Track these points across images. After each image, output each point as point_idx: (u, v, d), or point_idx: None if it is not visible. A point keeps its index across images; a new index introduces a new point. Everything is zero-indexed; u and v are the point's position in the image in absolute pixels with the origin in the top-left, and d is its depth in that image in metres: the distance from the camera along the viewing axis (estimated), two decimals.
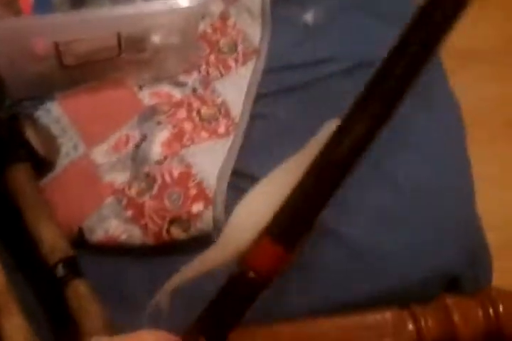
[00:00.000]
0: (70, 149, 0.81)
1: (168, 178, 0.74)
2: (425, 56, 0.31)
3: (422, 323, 0.61)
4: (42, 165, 0.79)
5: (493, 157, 1.43)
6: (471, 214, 0.76)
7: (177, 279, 0.60)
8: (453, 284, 0.72)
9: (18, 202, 0.72)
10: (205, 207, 0.72)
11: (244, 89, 0.87)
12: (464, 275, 0.71)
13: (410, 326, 0.61)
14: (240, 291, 0.35)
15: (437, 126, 0.82)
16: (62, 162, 0.80)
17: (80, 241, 0.73)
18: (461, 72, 1.40)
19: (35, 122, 0.82)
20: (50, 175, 0.79)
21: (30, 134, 0.80)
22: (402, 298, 0.66)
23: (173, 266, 0.73)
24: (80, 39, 0.83)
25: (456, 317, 0.61)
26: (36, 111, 0.84)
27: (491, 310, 0.61)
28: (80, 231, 0.73)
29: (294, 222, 0.33)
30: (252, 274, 0.34)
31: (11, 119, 0.81)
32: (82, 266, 0.70)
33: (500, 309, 0.61)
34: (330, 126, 0.34)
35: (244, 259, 0.34)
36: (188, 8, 0.83)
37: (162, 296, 0.59)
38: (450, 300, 0.63)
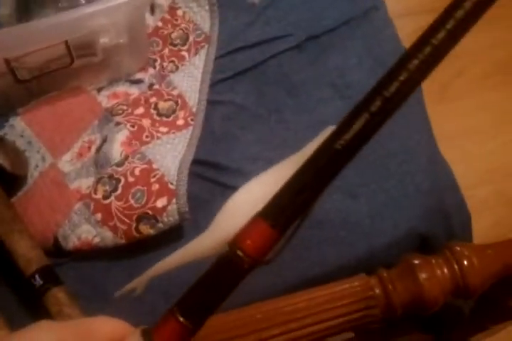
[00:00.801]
0: (38, 161, 0.82)
1: (130, 177, 0.75)
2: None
3: (390, 287, 0.61)
4: (13, 180, 0.81)
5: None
6: (433, 170, 0.75)
7: (159, 267, 0.61)
8: (428, 245, 0.72)
9: None
10: (169, 200, 0.72)
11: (199, 78, 0.87)
12: (435, 234, 0.70)
13: (378, 291, 0.62)
14: (226, 271, 0.35)
15: None
16: (32, 174, 0.81)
17: (56, 249, 0.75)
18: None
19: (1, 140, 0.84)
20: (24, 189, 0.81)
21: None
22: (371, 265, 0.66)
23: (150, 263, 0.74)
24: (30, 52, 0.84)
25: (421, 278, 0.61)
26: (1, 128, 0.85)
27: (455, 266, 0.61)
28: (55, 240, 0.75)
29: (287, 203, 0.34)
30: (240, 253, 0.34)
31: None
32: (63, 273, 0.73)
33: (465, 263, 0.61)
34: (326, 133, 0.34)
35: (233, 239, 0.34)
36: (127, 3, 0.83)
37: (139, 283, 0.59)
38: (415, 261, 0.62)
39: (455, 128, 1.30)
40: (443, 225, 0.72)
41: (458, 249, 0.62)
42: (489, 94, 1.42)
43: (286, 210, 0.33)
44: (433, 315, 0.76)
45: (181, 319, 0.33)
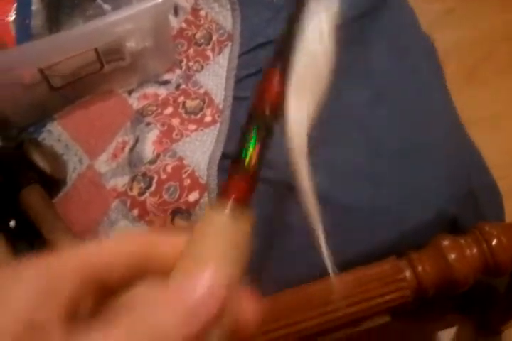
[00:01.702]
0: (76, 164, 0.86)
1: (163, 174, 0.78)
2: None
3: (419, 269, 0.62)
4: (53, 183, 0.85)
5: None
6: (461, 154, 0.75)
7: None
8: (458, 227, 0.72)
9: (36, 222, 0.78)
10: (201, 194, 0.75)
11: (224, 75, 0.89)
12: (465, 216, 0.71)
13: (408, 274, 0.63)
14: None
15: (412, 74, 0.81)
16: (71, 176, 0.85)
17: None
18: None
19: (40, 145, 0.88)
20: (63, 191, 0.84)
21: (36, 157, 0.86)
22: (402, 248, 0.67)
23: None
24: (62, 60, 0.88)
25: (451, 258, 0.62)
26: (40, 134, 0.90)
27: (484, 246, 0.62)
28: (96, 238, 0.78)
29: None
30: None
31: (18, 147, 0.88)
32: None
33: (494, 243, 0.61)
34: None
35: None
36: (151, 8, 0.86)
37: None
38: (444, 242, 0.63)
39: (485, 111, 1.29)
40: (472, 206, 0.73)
41: (487, 228, 0.63)
42: None
43: None
44: (468, 295, 0.76)
45: None
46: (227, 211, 0.29)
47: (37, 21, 0.95)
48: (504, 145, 1.25)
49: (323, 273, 0.65)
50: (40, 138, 0.89)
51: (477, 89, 1.31)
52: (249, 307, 0.28)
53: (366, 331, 0.78)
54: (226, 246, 0.27)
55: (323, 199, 0.73)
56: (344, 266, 0.67)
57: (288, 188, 0.77)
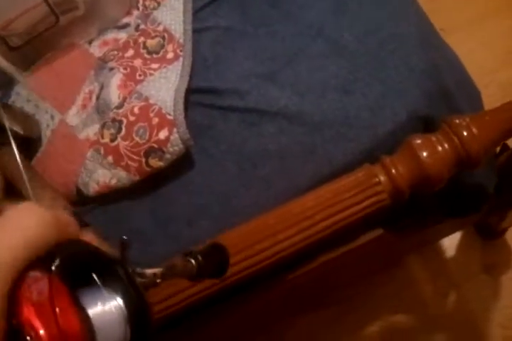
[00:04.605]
0: (48, 121, 0.85)
1: (131, 117, 0.77)
2: None
3: (393, 171, 0.61)
4: (29, 144, 0.84)
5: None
6: (430, 53, 0.72)
7: None
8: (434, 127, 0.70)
9: (13, 182, 0.78)
10: (170, 130, 0.73)
11: (181, 9, 0.86)
12: (439, 115, 0.68)
13: (382, 177, 0.61)
14: None
15: None
16: (46, 134, 0.85)
17: (80, 198, 0.78)
18: None
19: (10, 108, 0.87)
20: (41, 150, 0.84)
21: (8, 121, 0.85)
22: (378, 156, 0.65)
23: (168, 194, 0.77)
24: (15, 18, 0.86)
25: (423, 156, 0.59)
26: (9, 98, 0.89)
27: (455, 139, 0.59)
28: (77, 189, 0.78)
29: None
30: None
31: None
32: (93, 218, 0.76)
33: (464, 134, 0.59)
34: None
35: None
36: None
37: None
38: (416, 141, 0.61)
39: (467, 15, 1.22)
40: (446, 105, 0.70)
41: (456, 121, 0.60)
42: None
43: None
44: (458, 199, 0.75)
45: None
46: None
47: None
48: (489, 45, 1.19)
49: (299, 194, 0.65)
50: (9, 102, 0.88)
51: None
52: None
53: (361, 247, 0.77)
54: None
55: (295, 117, 0.72)
56: (321, 183, 0.66)
57: (259, 115, 0.75)
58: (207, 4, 0.86)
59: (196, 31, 0.84)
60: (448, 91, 0.70)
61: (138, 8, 0.91)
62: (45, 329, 0.26)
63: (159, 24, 0.86)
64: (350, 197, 0.61)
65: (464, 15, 1.21)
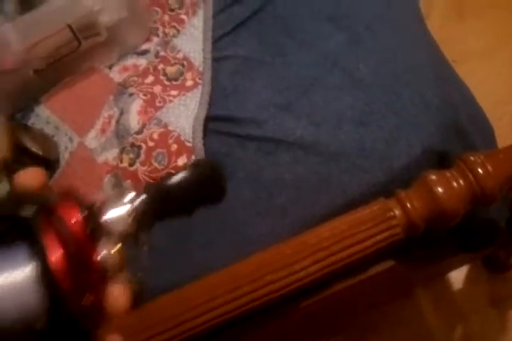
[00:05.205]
0: (67, 143, 0.87)
1: (150, 142, 0.78)
2: None
3: (408, 205, 0.62)
4: (47, 165, 0.86)
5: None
6: (445, 88, 0.73)
7: None
8: (448, 162, 0.71)
9: None
10: (188, 157, 0.75)
11: (200, 37, 0.88)
12: (453, 150, 0.69)
13: (397, 211, 0.62)
14: None
15: (386, 13, 0.79)
16: (64, 156, 0.86)
17: None
18: None
19: (29, 130, 0.89)
20: (58, 171, 0.86)
21: (27, 142, 0.87)
22: (392, 189, 0.67)
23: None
24: (39, 42, 0.88)
25: (438, 192, 0.61)
26: (28, 119, 0.90)
27: (470, 176, 0.60)
28: None
29: None
30: None
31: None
32: None
33: (479, 171, 0.60)
34: None
35: None
36: None
37: None
38: (431, 177, 0.62)
39: (478, 45, 1.25)
40: (460, 140, 0.71)
41: (471, 158, 0.62)
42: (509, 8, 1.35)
43: None
44: (472, 233, 0.76)
45: None
46: None
47: (8, 7, 0.95)
48: (501, 76, 1.21)
49: (313, 224, 0.66)
50: (29, 123, 0.90)
51: (468, 24, 1.27)
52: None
53: (372, 278, 0.78)
54: None
55: (311, 147, 0.74)
56: (339, 213, 0.67)
57: (275, 144, 0.77)
58: (227, 33, 0.88)
59: (215, 60, 0.86)
60: (461, 126, 0.72)
61: (158, 35, 0.93)
62: None
63: (179, 51, 0.88)
64: (365, 230, 0.62)
65: (475, 45, 1.24)
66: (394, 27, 0.78)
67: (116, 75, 0.89)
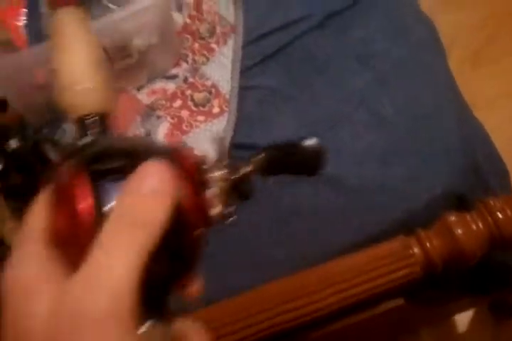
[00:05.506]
0: None
1: None
2: None
3: (428, 245, 0.64)
4: None
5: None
6: (465, 130, 0.76)
7: None
8: (467, 203, 0.74)
9: None
10: None
11: (229, 66, 0.91)
12: (471, 191, 0.72)
13: (416, 250, 0.64)
14: None
15: (415, 53, 0.82)
16: None
17: None
18: None
19: (56, 144, 0.91)
20: None
21: (53, 156, 0.89)
22: (411, 228, 0.69)
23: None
24: None
25: (458, 233, 0.63)
26: (55, 133, 0.92)
27: (490, 219, 0.63)
28: None
29: None
30: None
31: (34, 146, 0.90)
32: None
33: (499, 215, 0.62)
34: None
35: None
36: (154, 6, 0.88)
37: None
38: (451, 218, 0.64)
39: (495, 91, 1.28)
40: (478, 181, 0.74)
41: (491, 202, 0.64)
42: None
43: None
44: (485, 276, 0.78)
45: None
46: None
47: (46, 23, 0.98)
48: None
49: (328, 258, 0.68)
50: (56, 137, 0.92)
51: (483, 73, 1.31)
52: None
53: (381, 315, 0.79)
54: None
55: (333, 181, 0.76)
56: (355, 246, 0.69)
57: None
58: (255, 64, 0.91)
59: (243, 89, 0.89)
60: (478, 166, 0.75)
61: (187, 62, 0.96)
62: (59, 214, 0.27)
63: (207, 79, 0.91)
64: (384, 266, 0.64)
65: (491, 91, 1.27)
66: (419, 67, 0.81)
67: (144, 97, 0.92)
